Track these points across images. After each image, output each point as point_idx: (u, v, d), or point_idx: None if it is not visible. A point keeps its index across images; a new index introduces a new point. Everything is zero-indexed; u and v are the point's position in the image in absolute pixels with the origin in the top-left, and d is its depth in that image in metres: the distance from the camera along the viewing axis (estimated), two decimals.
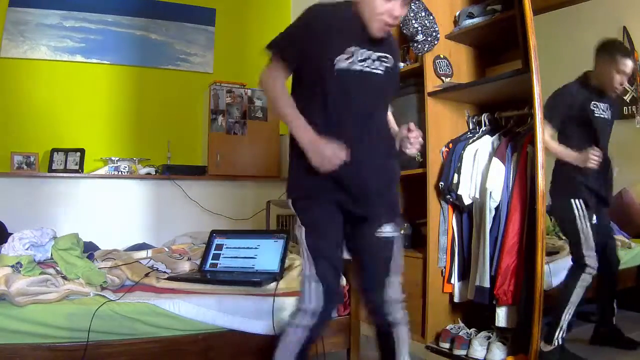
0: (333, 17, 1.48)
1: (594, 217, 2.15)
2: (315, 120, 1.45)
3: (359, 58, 1.46)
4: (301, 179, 1.51)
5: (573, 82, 2.21)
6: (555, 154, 2.14)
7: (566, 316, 2.04)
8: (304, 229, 1.49)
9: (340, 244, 1.53)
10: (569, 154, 2.12)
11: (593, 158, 2.03)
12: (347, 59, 1.44)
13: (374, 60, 1.49)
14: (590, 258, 2.06)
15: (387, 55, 1.53)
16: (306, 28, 1.48)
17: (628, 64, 2.09)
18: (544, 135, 2.07)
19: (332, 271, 1.48)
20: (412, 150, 1.53)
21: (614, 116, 2.25)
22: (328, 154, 1.38)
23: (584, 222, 2.10)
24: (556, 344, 2.02)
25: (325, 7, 1.51)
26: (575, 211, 2.11)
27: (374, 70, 1.49)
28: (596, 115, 2.16)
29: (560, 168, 2.18)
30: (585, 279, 2.05)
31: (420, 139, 1.53)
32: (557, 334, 2.02)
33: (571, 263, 2.13)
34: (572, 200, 2.11)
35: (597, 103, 2.17)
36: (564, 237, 2.53)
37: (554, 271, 2.29)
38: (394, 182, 1.58)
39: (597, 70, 2.16)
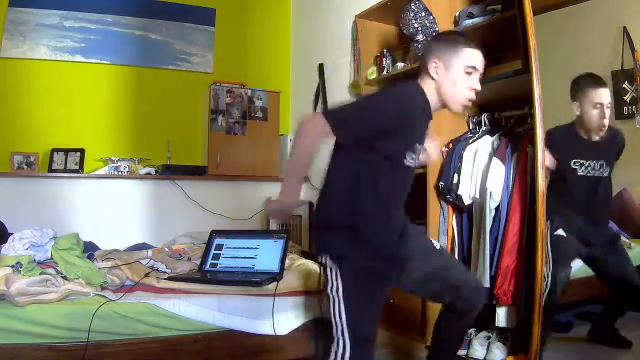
0: (416, 111, 1.49)
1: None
2: (367, 194, 1.47)
3: (416, 154, 1.53)
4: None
5: (559, 129, 2.09)
6: None
7: None
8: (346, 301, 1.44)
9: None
10: None
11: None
12: (412, 156, 1.51)
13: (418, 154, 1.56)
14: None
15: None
16: (394, 116, 1.45)
17: (602, 94, 1.96)
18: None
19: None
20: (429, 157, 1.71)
21: (609, 170, 2.12)
22: (285, 215, 1.49)
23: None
24: None
25: (414, 98, 1.50)
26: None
27: (415, 164, 1.56)
28: (579, 174, 2.08)
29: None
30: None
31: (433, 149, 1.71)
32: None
33: None
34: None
35: (580, 161, 2.06)
36: None
37: None
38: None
39: (578, 116, 2.06)
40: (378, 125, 1.43)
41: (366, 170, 1.46)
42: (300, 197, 1.45)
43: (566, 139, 2.10)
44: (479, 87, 1.50)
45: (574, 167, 2.10)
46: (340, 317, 1.41)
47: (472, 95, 1.50)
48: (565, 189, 2.10)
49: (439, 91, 1.50)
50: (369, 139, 1.43)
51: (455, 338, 1.73)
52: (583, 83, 2.02)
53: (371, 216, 1.47)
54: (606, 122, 2.01)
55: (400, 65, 2.80)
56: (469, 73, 1.48)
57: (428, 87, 1.51)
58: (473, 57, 1.48)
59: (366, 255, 1.45)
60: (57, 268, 2.05)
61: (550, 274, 2.03)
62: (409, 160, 1.50)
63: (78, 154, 3.38)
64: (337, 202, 1.48)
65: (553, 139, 2.06)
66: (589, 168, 2.09)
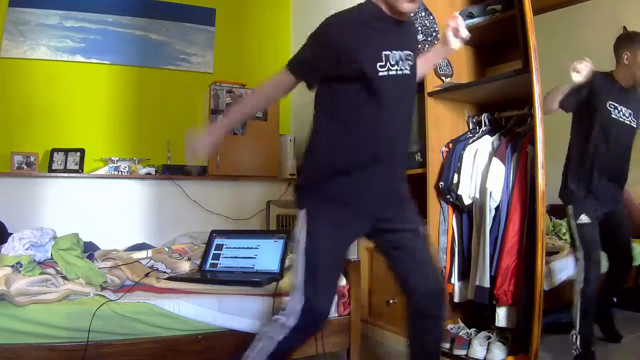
0: (359, 22, 1.39)
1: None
2: (344, 135, 1.41)
3: (392, 62, 1.38)
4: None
5: (598, 73, 2.08)
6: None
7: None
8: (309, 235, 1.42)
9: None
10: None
11: (576, 67, 1.94)
12: (383, 66, 1.37)
13: (403, 61, 1.41)
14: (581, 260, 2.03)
15: (411, 53, 1.45)
16: (329, 42, 1.39)
17: None
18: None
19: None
20: (457, 42, 1.47)
21: (636, 122, 2.12)
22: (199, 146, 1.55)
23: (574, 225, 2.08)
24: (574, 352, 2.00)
25: (348, 14, 1.42)
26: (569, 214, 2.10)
27: (405, 72, 1.41)
28: (613, 117, 2.07)
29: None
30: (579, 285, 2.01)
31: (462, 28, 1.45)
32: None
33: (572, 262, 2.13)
34: (568, 206, 2.11)
35: (615, 104, 2.07)
36: (564, 237, 2.53)
37: (554, 271, 2.29)
38: (401, 203, 1.53)
39: (620, 66, 2.07)
40: (324, 55, 1.39)
41: (345, 106, 1.42)
42: (220, 135, 1.58)
43: (604, 82, 2.09)
44: None
45: (609, 108, 2.08)
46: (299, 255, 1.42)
47: None
48: (594, 132, 2.08)
49: None
50: (318, 70, 1.43)
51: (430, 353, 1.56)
52: None
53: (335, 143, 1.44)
54: None
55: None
56: None
57: None
58: None
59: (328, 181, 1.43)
60: (57, 268, 2.05)
61: (583, 267, 2.01)
62: (383, 71, 1.37)
63: (78, 154, 3.38)
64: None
65: (593, 80, 2.04)
66: (620, 113, 2.08)
